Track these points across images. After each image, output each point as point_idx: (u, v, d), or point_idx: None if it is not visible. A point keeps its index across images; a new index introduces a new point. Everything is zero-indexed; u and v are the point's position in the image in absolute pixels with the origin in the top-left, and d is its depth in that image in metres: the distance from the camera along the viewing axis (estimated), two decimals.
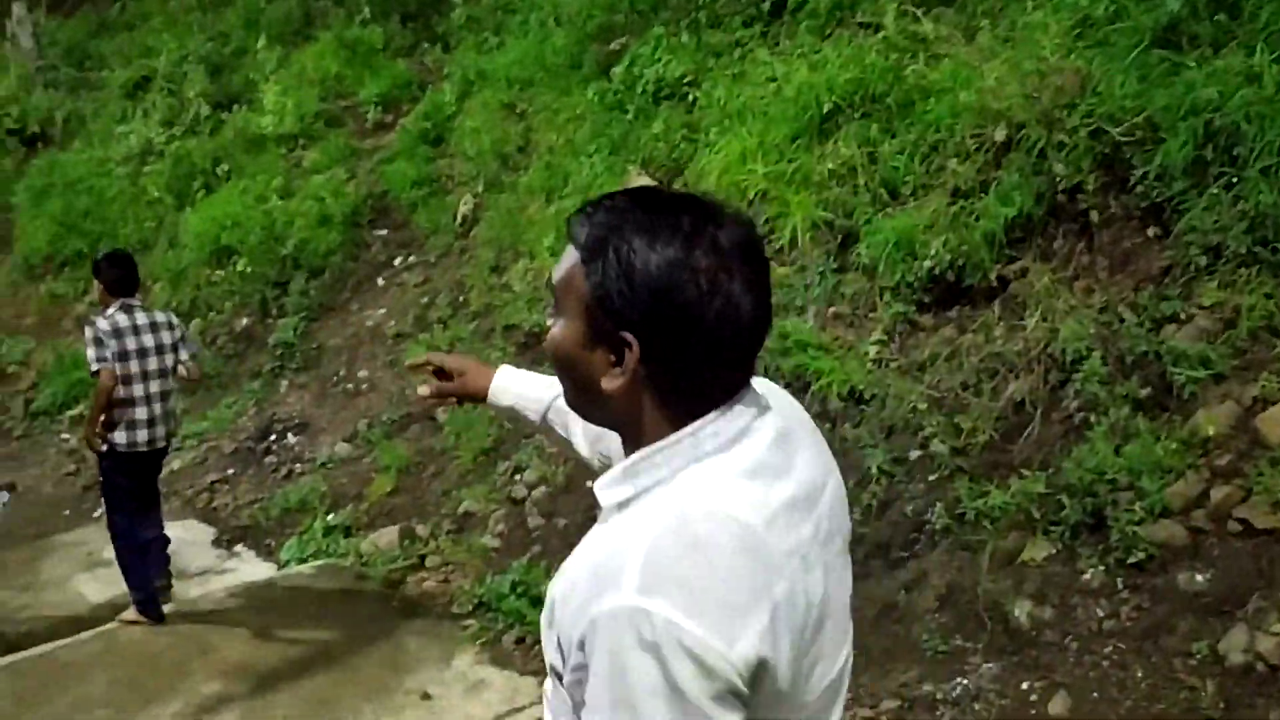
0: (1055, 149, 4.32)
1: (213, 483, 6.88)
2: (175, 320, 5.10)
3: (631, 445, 1.25)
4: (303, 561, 5.44)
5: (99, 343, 4.73)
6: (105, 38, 13.21)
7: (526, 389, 1.78)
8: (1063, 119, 4.33)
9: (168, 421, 5.01)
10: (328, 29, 10.91)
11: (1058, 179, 4.32)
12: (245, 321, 8.48)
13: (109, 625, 4.78)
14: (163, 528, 5.25)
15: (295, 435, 7.15)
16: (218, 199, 9.48)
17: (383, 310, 8.00)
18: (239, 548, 6.00)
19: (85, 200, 10.43)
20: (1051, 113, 4.37)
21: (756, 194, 5.35)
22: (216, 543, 6.12)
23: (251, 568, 5.69)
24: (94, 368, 4.77)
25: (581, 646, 1.14)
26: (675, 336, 1.17)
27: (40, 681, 4.29)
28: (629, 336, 1.18)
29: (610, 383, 1.21)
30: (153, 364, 4.82)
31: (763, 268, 1.22)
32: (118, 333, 4.75)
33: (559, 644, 1.20)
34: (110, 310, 4.83)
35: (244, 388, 7.91)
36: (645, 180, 6.50)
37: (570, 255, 1.24)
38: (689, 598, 1.09)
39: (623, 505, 1.21)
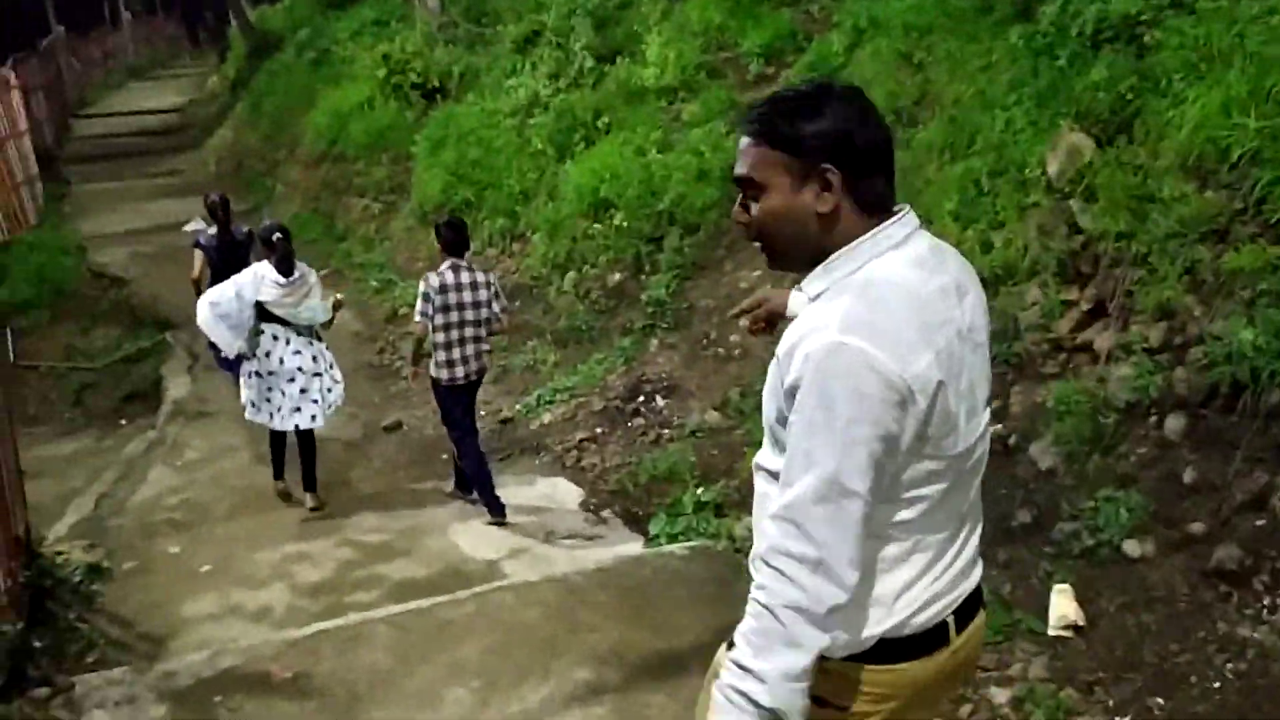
0: None
1: (581, 440, 6.77)
2: (493, 279, 5.98)
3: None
4: (673, 539, 5.11)
5: (426, 298, 5.65)
6: None
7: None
8: None
9: (480, 359, 5.95)
10: None
11: None
12: (618, 277, 8.36)
13: (484, 587, 4.68)
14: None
15: (664, 398, 6.89)
16: (597, 151, 9.45)
17: (758, 272, 7.55)
18: (606, 514, 5.80)
19: (475, 151, 10.81)
20: None
21: (1244, 154, 4.30)
22: (584, 505, 5.96)
23: (619, 537, 5.47)
24: (416, 319, 5.79)
25: (794, 388, 1.61)
26: (854, 159, 1.68)
27: (420, 637, 4.23)
28: (830, 165, 1.67)
29: (825, 205, 1.68)
30: (469, 315, 5.72)
31: (874, 108, 1.73)
32: (444, 289, 5.64)
33: (781, 394, 1.66)
34: (443, 268, 5.70)
35: (614, 344, 7.78)
36: (1079, 137, 5.57)
37: (749, 147, 1.73)
38: (875, 334, 1.57)
39: (823, 294, 1.69)
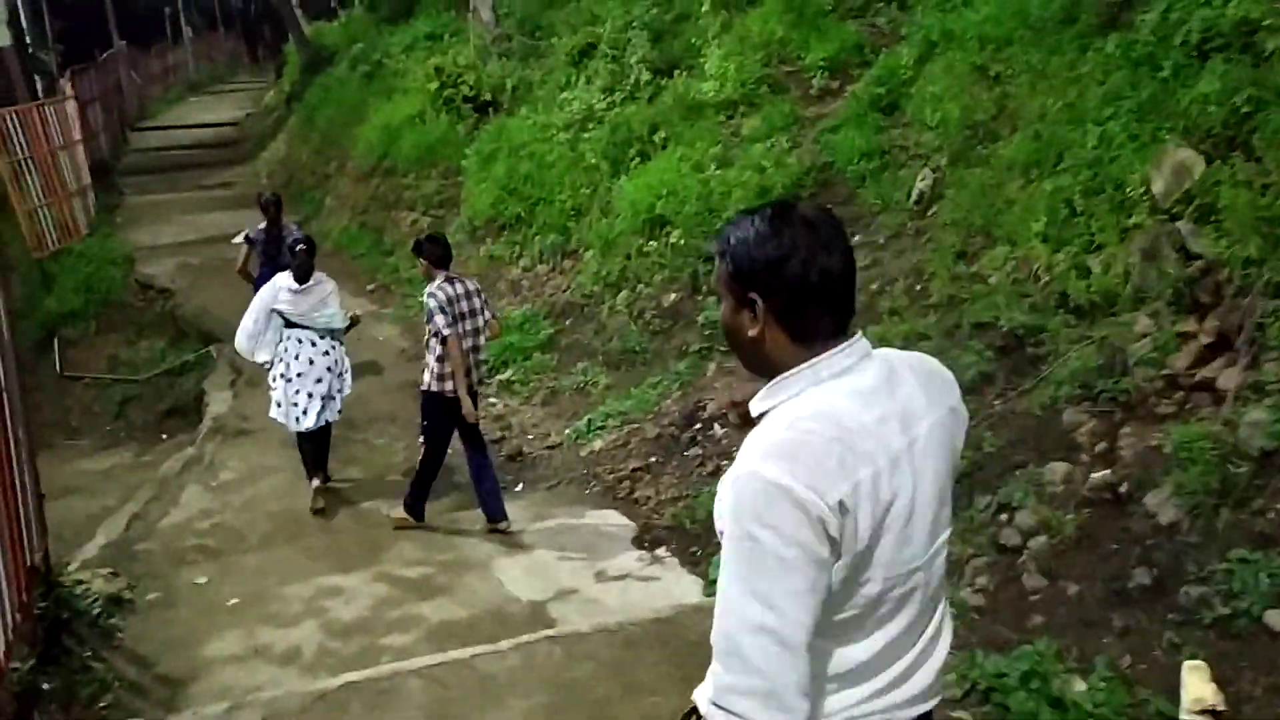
0: None
1: (634, 470, 6.37)
2: (480, 287, 6.06)
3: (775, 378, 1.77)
4: None
5: (444, 310, 5.67)
6: (557, 7, 13.42)
7: None
8: None
9: (479, 369, 6.02)
10: None
11: None
12: (674, 296, 7.96)
13: (530, 636, 4.27)
14: (486, 454, 6.17)
15: (722, 426, 6.46)
16: (653, 167, 9.08)
17: None
18: (661, 551, 5.38)
19: (527, 165, 10.50)
20: None
21: None
22: (637, 541, 5.55)
23: (675, 579, 5.05)
24: (445, 333, 5.67)
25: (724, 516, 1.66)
26: (781, 290, 1.71)
27: (458, 694, 3.83)
28: (754, 296, 1.72)
29: (752, 331, 1.74)
30: (468, 325, 5.79)
31: (836, 231, 1.74)
32: (451, 301, 5.71)
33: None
34: (439, 282, 5.77)
35: (669, 368, 7.38)
36: (1187, 154, 5.09)
37: (716, 260, 1.82)
38: (793, 465, 1.58)
39: (766, 415, 1.73)
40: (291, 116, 19.33)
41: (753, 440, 1.66)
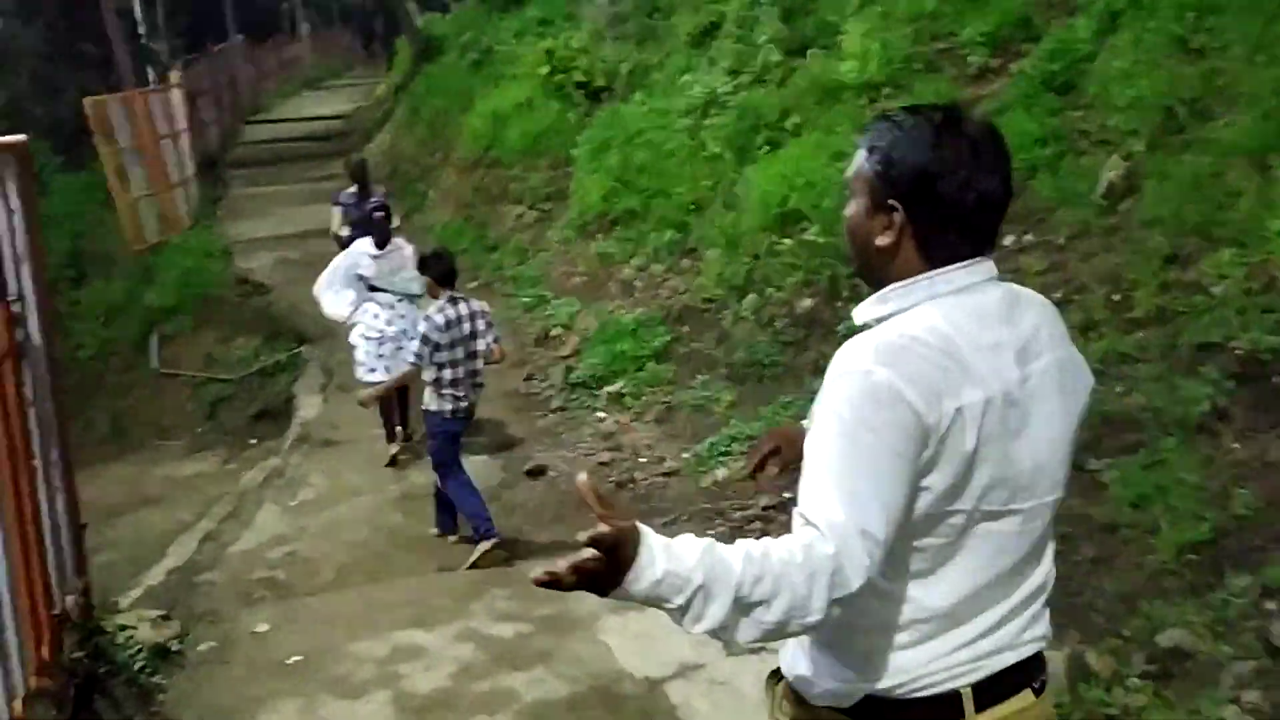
0: None
1: (766, 508, 5.42)
2: (486, 309, 5.93)
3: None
4: None
5: (425, 340, 5.54)
6: None
7: None
8: None
9: (476, 391, 5.86)
10: None
11: None
12: (810, 302, 6.96)
13: None
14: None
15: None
16: (785, 155, 8.09)
17: None
18: None
19: (642, 154, 9.62)
20: None
21: None
22: None
23: None
24: (410, 360, 5.67)
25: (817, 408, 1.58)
26: (929, 204, 1.59)
27: None
28: (895, 204, 1.60)
29: (883, 239, 1.63)
30: (467, 348, 5.66)
31: (1000, 153, 1.62)
32: (448, 325, 5.57)
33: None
34: (441, 302, 5.65)
35: (805, 384, 6.38)
36: None
37: (859, 148, 1.68)
38: (905, 371, 1.50)
39: (872, 323, 1.63)
40: (398, 107, 18.88)
41: (858, 342, 1.57)
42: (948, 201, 1.58)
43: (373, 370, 6.97)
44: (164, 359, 11.48)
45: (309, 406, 8.52)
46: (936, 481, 1.52)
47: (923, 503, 1.53)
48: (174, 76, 15.77)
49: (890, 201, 1.60)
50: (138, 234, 12.45)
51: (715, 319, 7.72)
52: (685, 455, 6.33)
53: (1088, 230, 5.99)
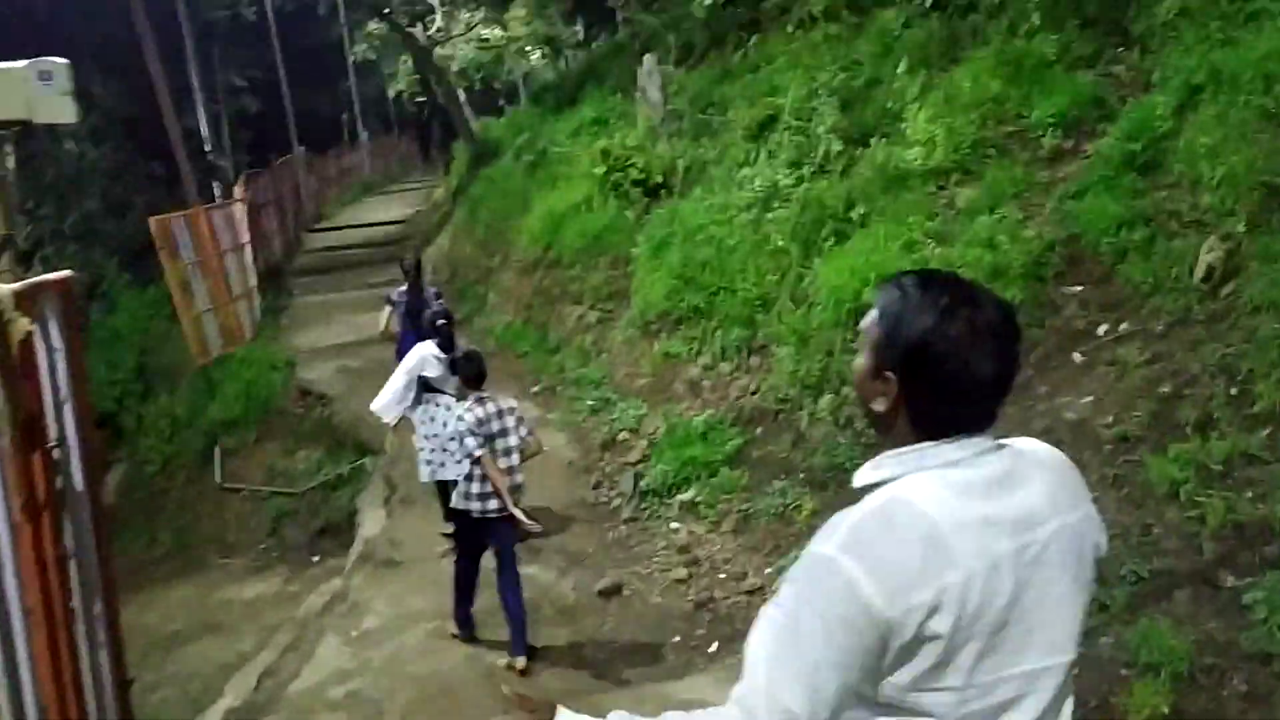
0: None
1: None
2: (515, 405, 5.95)
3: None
4: None
5: (473, 434, 5.60)
6: (730, 81, 12.49)
7: None
8: None
9: (517, 492, 5.74)
10: (983, 45, 8.96)
11: None
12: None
13: None
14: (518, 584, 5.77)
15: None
16: (853, 248, 7.82)
17: (1089, 398, 5.65)
18: None
19: (704, 251, 9.41)
20: None
21: None
22: None
23: None
24: (477, 454, 5.61)
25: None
26: (923, 381, 1.60)
27: None
28: (891, 375, 1.63)
29: (879, 405, 1.66)
30: (498, 445, 5.68)
31: (1007, 337, 1.61)
32: (483, 423, 5.64)
33: None
34: (469, 403, 5.74)
35: None
36: None
37: (874, 310, 1.70)
38: (871, 561, 1.50)
39: (865, 489, 1.64)
40: (456, 210, 19.03)
41: (841, 516, 1.59)
42: (944, 380, 1.59)
43: (442, 466, 7.12)
44: (227, 473, 11.39)
45: (372, 522, 8.27)
46: (909, 671, 1.53)
47: (899, 687, 1.54)
48: (236, 191, 16.04)
49: (887, 372, 1.62)
50: (202, 348, 12.49)
51: (790, 420, 7.38)
52: (767, 570, 5.95)
53: (1189, 318, 5.60)
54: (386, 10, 21.85)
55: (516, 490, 5.75)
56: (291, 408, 11.76)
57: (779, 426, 7.40)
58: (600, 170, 11.87)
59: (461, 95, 26.39)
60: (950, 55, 9.48)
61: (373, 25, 29.97)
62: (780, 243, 8.69)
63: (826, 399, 7.02)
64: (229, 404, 11.95)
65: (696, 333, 9.13)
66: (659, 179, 11.54)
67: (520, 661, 5.50)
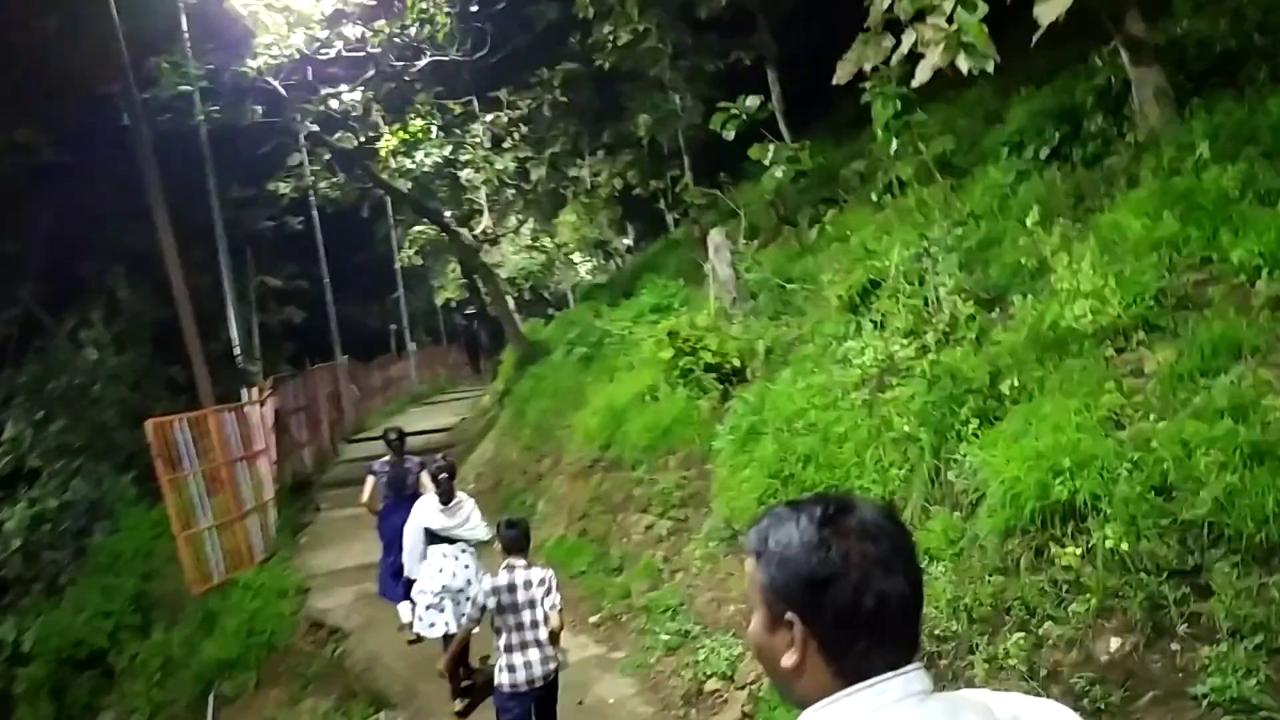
0: None
1: None
2: (545, 575, 5.77)
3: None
4: None
5: (482, 608, 5.69)
6: (809, 256, 10.98)
7: None
8: None
9: (547, 664, 5.68)
10: (1132, 186, 7.44)
11: None
12: (1119, 644, 4.55)
13: None
14: None
15: None
16: (1009, 430, 5.94)
17: None
18: None
19: (805, 441, 7.53)
20: None
21: None
22: None
23: None
24: (465, 618, 5.98)
25: None
26: (823, 616, 1.42)
27: None
28: (791, 616, 1.44)
29: (788, 659, 1.45)
30: (526, 616, 5.64)
31: (899, 548, 1.44)
32: (496, 590, 5.66)
33: None
34: (500, 570, 5.76)
35: None
36: None
37: (749, 559, 1.54)
38: None
39: None
40: (501, 413, 17.44)
41: None
42: (844, 609, 1.42)
43: (432, 625, 7.41)
44: None
45: None
46: None
47: None
48: (254, 393, 14.54)
49: (787, 616, 1.45)
50: (199, 573, 10.64)
51: (954, 667, 5.28)
52: None
53: None
54: (434, 208, 21.10)
55: (548, 662, 5.69)
56: (300, 645, 9.77)
57: (939, 674, 5.30)
58: (667, 355, 10.20)
59: (511, 304, 25.42)
60: (1085, 204, 7.92)
61: (419, 227, 29.61)
62: (905, 428, 6.82)
63: (1014, 638, 4.95)
64: (228, 641, 10.00)
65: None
66: (735, 362, 9.84)
67: None
